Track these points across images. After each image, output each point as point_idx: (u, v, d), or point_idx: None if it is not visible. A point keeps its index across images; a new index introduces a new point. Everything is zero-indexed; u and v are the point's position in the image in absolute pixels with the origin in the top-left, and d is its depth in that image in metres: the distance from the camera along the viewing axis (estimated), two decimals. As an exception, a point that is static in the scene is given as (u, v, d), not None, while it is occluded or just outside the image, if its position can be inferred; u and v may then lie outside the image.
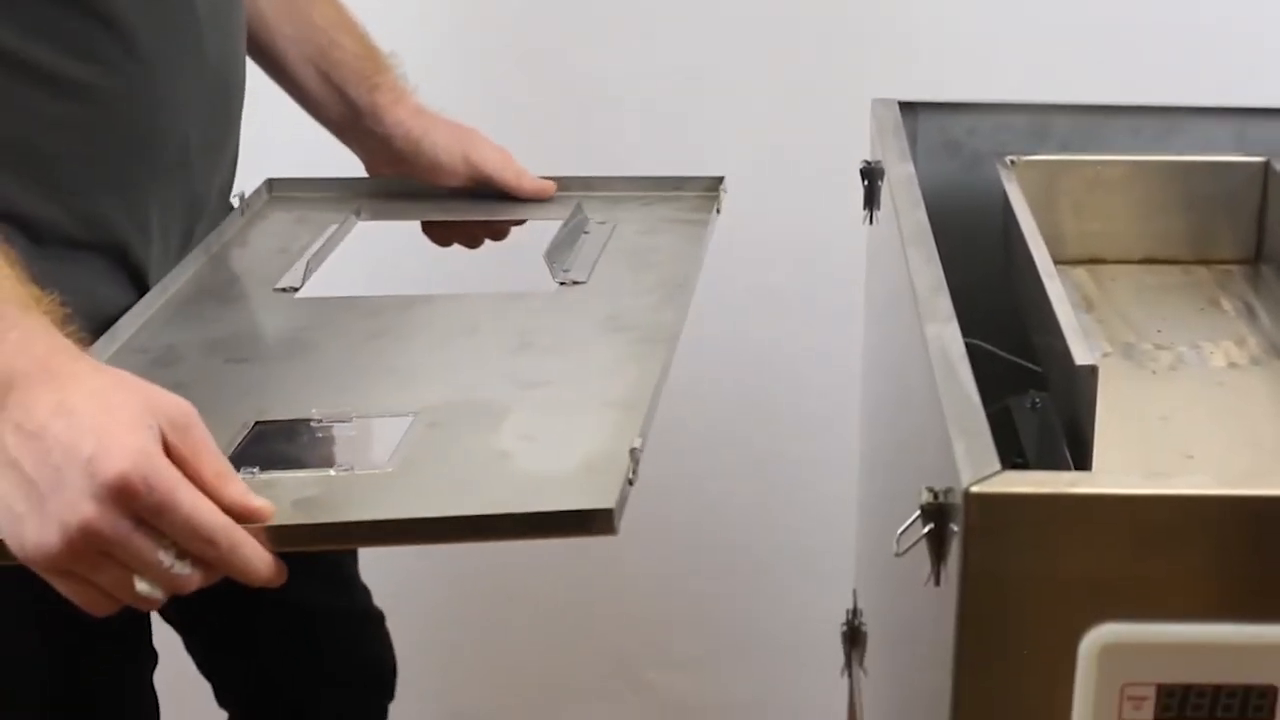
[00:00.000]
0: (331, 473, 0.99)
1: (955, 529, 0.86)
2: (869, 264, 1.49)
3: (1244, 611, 0.86)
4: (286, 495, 0.97)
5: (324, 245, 1.38)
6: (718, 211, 1.44)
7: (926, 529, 0.89)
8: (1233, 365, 1.26)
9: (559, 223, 1.39)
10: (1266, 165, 1.40)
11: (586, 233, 1.39)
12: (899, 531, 0.92)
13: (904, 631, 1.13)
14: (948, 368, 0.97)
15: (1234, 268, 1.42)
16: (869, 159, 1.39)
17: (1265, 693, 0.87)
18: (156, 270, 1.27)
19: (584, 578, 2.12)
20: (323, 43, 1.45)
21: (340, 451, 1.04)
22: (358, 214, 1.45)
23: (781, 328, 2.01)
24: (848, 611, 1.52)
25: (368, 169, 1.51)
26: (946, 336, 1.00)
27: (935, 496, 0.89)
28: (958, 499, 0.85)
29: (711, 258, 2.01)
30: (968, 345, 1.00)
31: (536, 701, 2.19)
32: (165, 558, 0.91)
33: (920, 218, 1.18)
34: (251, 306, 1.28)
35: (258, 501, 0.94)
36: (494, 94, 1.93)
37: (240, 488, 0.94)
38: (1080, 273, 1.41)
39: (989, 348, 1.20)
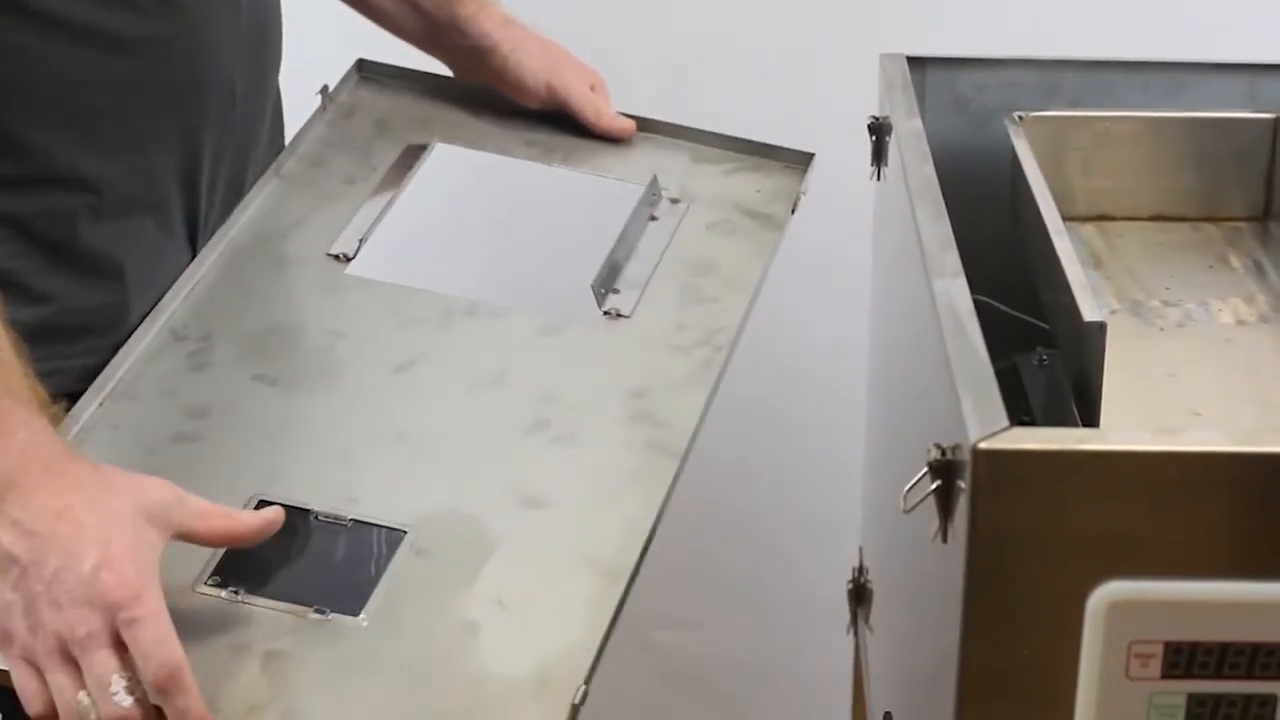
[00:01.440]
0: (310, 615, 1.02)
1: (963, 485, 0.86)
2: (876, 221, 1.48)
3: (1251, 569, 0.86)
4: (261, 641, 1.01)
5: (389, 193, 1.34)
6: (792, 212, 1.41)
7: (934, 486, 0.89)
8: (1241, 323, 1.26)
9: (630, 187, 1.35)
10: (1277, 122, 1.40)
11: (655, 218, 1.36)
12: (906, 488, 0.92)
13: (911, 589, 1.13)
14: (956, 324, 0.96)
15: (1243, 225, 1.41)
16: (877, 114, 1.38)
17: (1272, 650, 0.87)
18: (206, 221, 1.27)
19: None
20: None
21: (326, 573, 1.06)
22: (432, 138, 1.41)
23: (788, 285, 2.00)
24: (854, 569, 1.52)
25: (455, 75, 1.47)
26: (954, 292, 1.00)
27: (943, 453, 0.89)
28: (966, 455, 0.85)
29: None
30: (975, 302, 1.00)
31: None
32: (116, 682, 0.95)
33: (928, 174, 1.17)
34: (297, 281, 1.27)
35: (260, 519, 1.03)
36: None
37: (238, 519, 1.02)
38: (1089, 229, 1.40)
39: (996, 305, 1.20)
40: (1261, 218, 1.41)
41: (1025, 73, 1.42)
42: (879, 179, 1.41)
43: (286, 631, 1.01)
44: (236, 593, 1.03)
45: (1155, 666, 0.88)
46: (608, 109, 1.45)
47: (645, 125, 1.46)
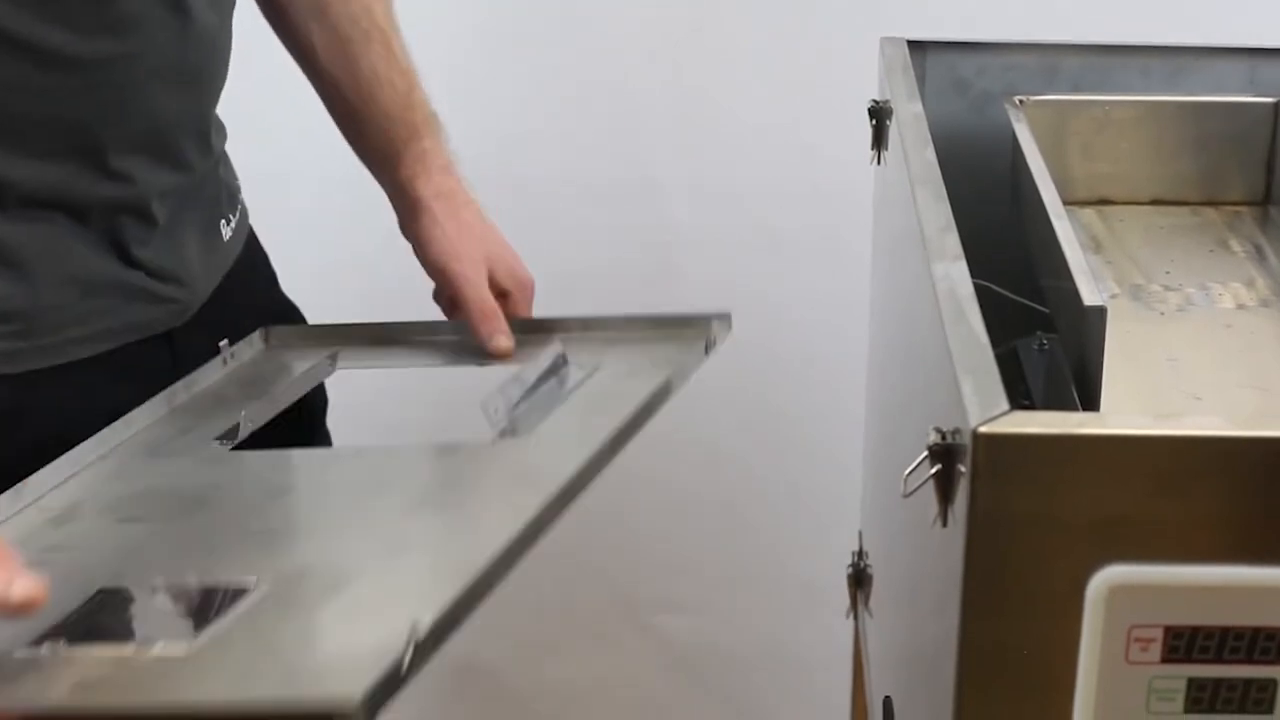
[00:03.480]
0: (129, 651, 0.98)
1: (963, 470, 0.86)
2: (876, 205, 1.48)
3: (1252, 553, 0.86)
4: (73, 675, 0.96)
5: (276, 392, 1.33)
6: (706, 351, 1.32)
7: (934, 470, 0.89)
8: (1241, 307, 1.25)
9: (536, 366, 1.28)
10: (1277, 106, 1.40)
11: (557, 379, 1.28)
12: (906, 472, 0.92)
13: (910, 573, 1.13)
14: (956, 307, 0.96)
15: (1243, 209, 1.41)
16: (877, 98, 1.38)
17: (1273, 635, 0.87)
18: (131, 229, 1.27)
19: (588, 523, 2.12)
20: (360, 97, 1.40)
21: (158, 623, 1.03)
22: (333, 360, 1.38)
23: (787, 269, 2.00)
24: (853, 554, 1.52)
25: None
26: (955, 275, 1.00)
27: (943, 437, 0.89)
28: (965, 439, 0.85)
29: (715, 198, 2.01)
30: (975, 286, 0.99)
31: (540, 647, 2.19)
32: None
33: (929, 157, 1.17)
34: (179, 460, 1.24)
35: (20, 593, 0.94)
36: (493, 27, 1.92)
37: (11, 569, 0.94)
38: (1089, 214, 1.40)
39: (996, 289, 1.20)
40: (1262, 202, 1.41)
41: (1026, 57, 1.42)
42: (879, 163, 1.41)
43: (106, 664, 0.97)
44: (57, 644, 0.98)
45: (1155, 651, 0.87)
46: (496, 322, 1.36)
47: (555, 326, 1.36)
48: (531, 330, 1.37)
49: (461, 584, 0.97)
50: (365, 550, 1.07)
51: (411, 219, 1.40)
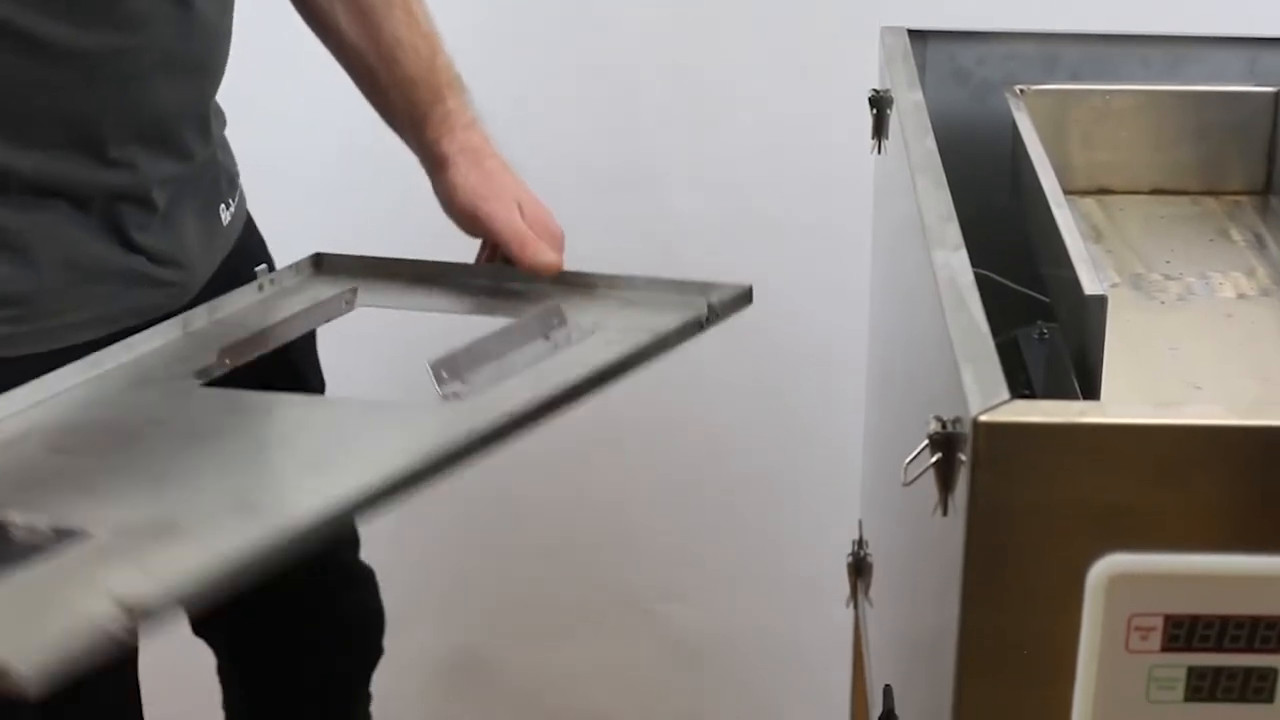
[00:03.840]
0: None
1: (963, 458, 0.86)
2: (877, 194, 1.48)
3: (1252, 542, 0.86)
4: None
5: (267, 329, 1.32)
6: (701, 326, 1.28)
7: (934, 459, 0.89)
8: (1242, 296, 1.25)
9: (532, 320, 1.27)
10: (1277, 96, 1.39)
11: (545, 339, 1.26)
12: (907, 461, 0.92)
13: (910, 562, 1.13)
14: (956, 296, 0.96)
15: (1244, 199, 1.41)
16: (878, 88, 1.38)
17: (1273, 624, 0.87)
18: (131, 216, 1.27)
19: (589, 510, 2.12)
20: (383, 64, 1.40)
21: None
22: (350, 298, 1.38)
23: (788, 258, 2.00)
24: (854, 543, 1.52)
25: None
26: (955, 264, 1.00)
27: (943, 426, 0.89)
28: (966, 428, 0.85)
29: (716, 187, 2.01)
30: (975, 276, 0.99)
31: (542, 635, 2.19)
32: None
33: (929, 146, 1.17)
34: (150, 392, 1.24)
35: None
36: (494, 19, 1.92)
37: None
38: (1089, 203, 1.40)
39: (997, 278, 1.20)
40: (1262, 191, 1.41)
41: (1026, 46, 1.42)
42: (880, 152, 1.41)
43: None
44: None
45: (1155, 639, 0.87)
46: (537, 243, 1.34)
47: (583, 280, 1.34)
48: (559, 283, 1.35)
49: (240, 553, 0.96)
50: (218, 501, 1.06)
51: (439, 175, 1.40)
